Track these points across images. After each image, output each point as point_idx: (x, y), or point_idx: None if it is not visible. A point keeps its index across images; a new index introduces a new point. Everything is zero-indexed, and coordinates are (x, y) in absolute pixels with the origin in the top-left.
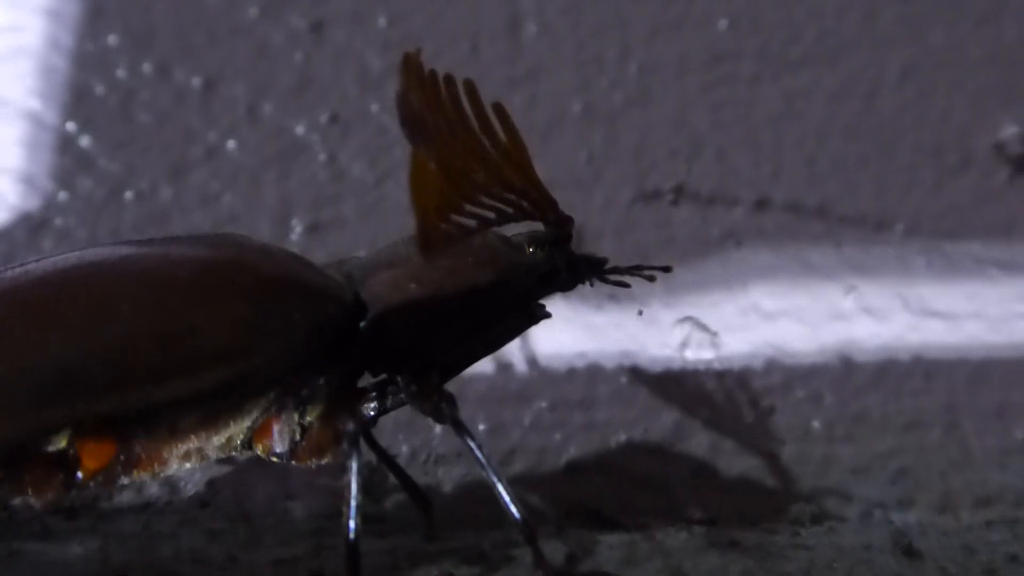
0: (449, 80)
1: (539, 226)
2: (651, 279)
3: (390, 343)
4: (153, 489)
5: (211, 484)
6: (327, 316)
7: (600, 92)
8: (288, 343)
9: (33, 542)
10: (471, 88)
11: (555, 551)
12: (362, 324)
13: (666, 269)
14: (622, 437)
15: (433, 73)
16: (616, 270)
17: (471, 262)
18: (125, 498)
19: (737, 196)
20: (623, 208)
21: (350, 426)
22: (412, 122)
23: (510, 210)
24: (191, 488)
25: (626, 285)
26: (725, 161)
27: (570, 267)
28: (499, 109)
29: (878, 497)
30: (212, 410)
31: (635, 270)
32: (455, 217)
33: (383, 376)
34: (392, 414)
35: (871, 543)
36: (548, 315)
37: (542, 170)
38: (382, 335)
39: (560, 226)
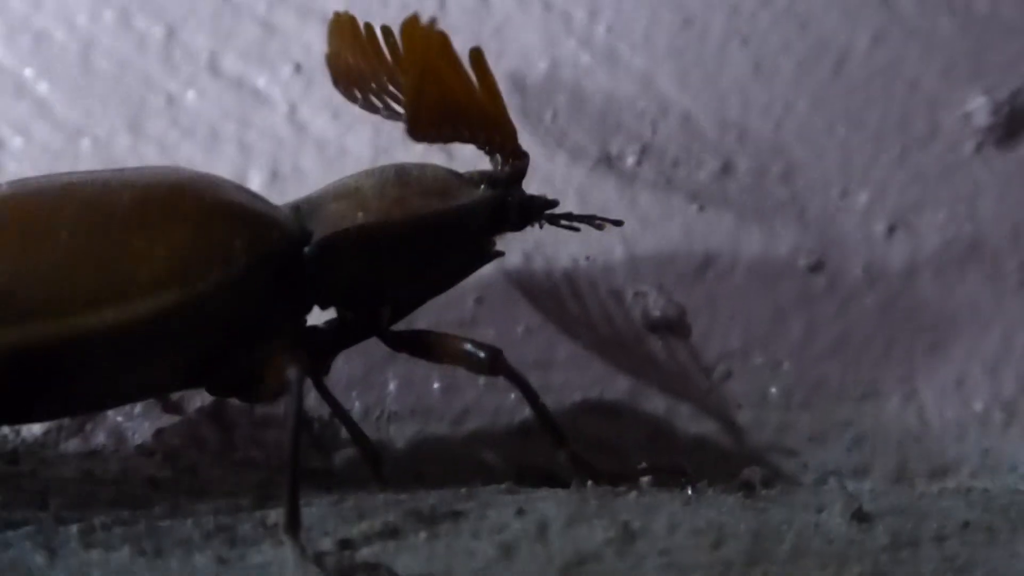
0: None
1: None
2: (600, 227)
3: (337, 274)
4: (99, 437)
5: (158, 434)
6: (270, 243)
7: (567, 52)
8: (230, 270)
9: None
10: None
11: (505, 508)
12: (307, 249)
13: (617, 223)
14: (577, 399)
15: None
16: (568, 216)
17: (419, 192)
18: (71, 445)
19: (702, 160)
20: (586, 169)
21: (293, 372)
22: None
23: (477, 131)
24: (137, 437)
25: (575, 229)
26: (691, 125)
27: (521, 205)
28: (477, 56)
29: (834, 464)
30: (156, 343)
31: (587, 219)
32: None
33: (335, 319)
34: (346, 370)
35: (823, 506)
36: (500, 253)
37: None
38: (329, 264)
39: (516, 158)
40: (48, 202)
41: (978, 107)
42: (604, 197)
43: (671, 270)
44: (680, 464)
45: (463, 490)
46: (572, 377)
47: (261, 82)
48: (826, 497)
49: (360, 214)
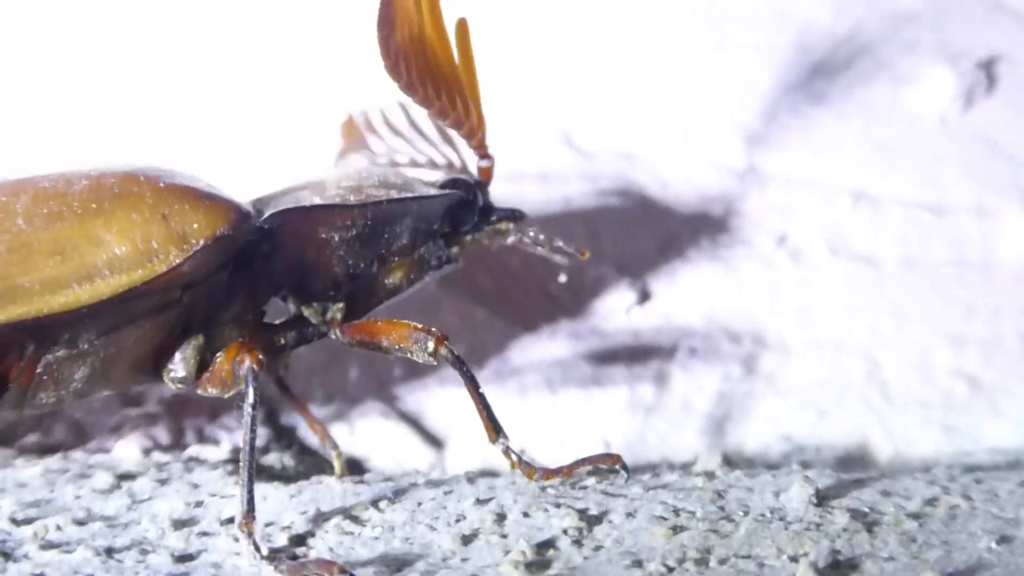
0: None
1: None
2: (561, 255)
3: (290, 254)
4: (59, 434)
5: (117, 429)
6: (226, 224)
7: (531, 26)
8: (187, 252)
9: None
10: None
11: (464, 498)
12: (261, 224)
13: (579, 253)
14: (535, 384)
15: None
16: (534, 235)
17: (379, 184)
18: (30, 440)
19: (664, 137)
20: (550, 153)
21: (247, 363)
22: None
23: (451, 100)
24: (96, 432)
25: (534, 248)
26: (651, 101)
27: (482, 209)
28: (462, 27)
29: (796, 442)
30: (114, 328)
31: (550, 243)
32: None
33: (290, 315)
34: (307, 357)
35: (781, 489)
36: (456, 260)
37: None
38: (282, 243)
39: (482, 154)
40: (2, 195)
41: (941, 79)
42: (566, 184)
43: (633, 248)
44: (613, 455)
45: (421, 479)
46: (531, 362)
47: None
48: (784, 480)
49: (316, 198)
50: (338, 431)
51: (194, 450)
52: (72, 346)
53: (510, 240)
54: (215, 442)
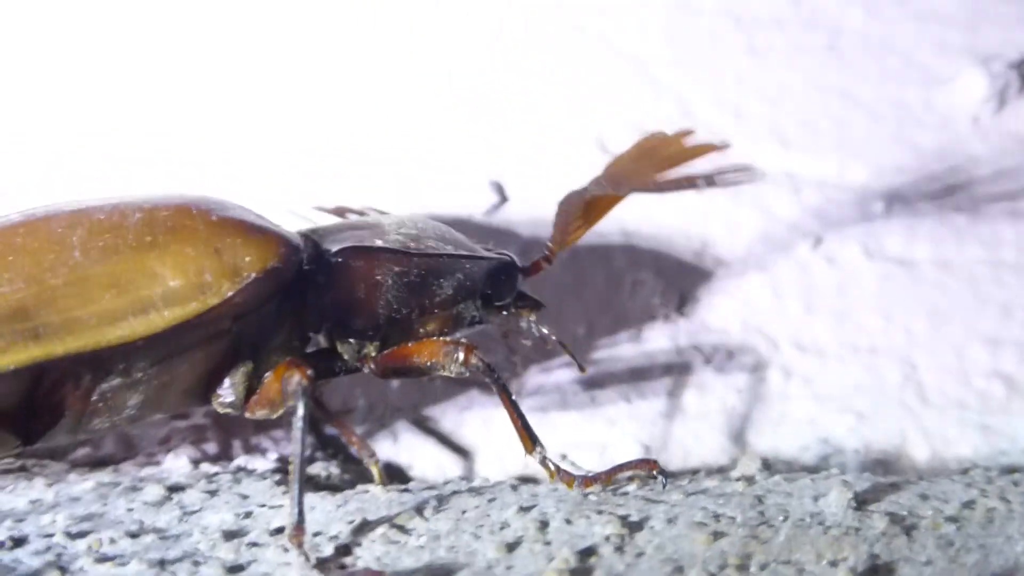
0: None
1: None
2: (579, 366)
3: (343, 291)
4: (108, 447)
5: (166, 442)
6: (278, 257)
7: (561, 34)
8: (239, 284)
9: None
10: None
11: (507, 506)
12: (327, 257)
13: (581, 369)
14: (576, 388)
15: None
16: (546, 333)
17: (436, 236)
18: (81, 454)
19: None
20: (583, 154)
21: (296, 379)
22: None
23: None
24: (146, 446)
25: (544, 342)
26: (685, 107)
27: (518, 292)
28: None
29: (834, 445)
30: (166, 358)
31: (561, 345)
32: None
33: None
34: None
35: (820, 494)
36: (487, 322)
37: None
38: (338, 280)
39: (552, 255)
40: (59, 226)
41: (973, 80)
42: None
43: (670, 254)
44: (650, 460)
45: (464, 487)
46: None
47: None
48: (823, 485)
49: (378, 240)
50: (382, 440)
51: (242, 460)
52: (126, 375)
53: (522, 325)
54: (262, 452)
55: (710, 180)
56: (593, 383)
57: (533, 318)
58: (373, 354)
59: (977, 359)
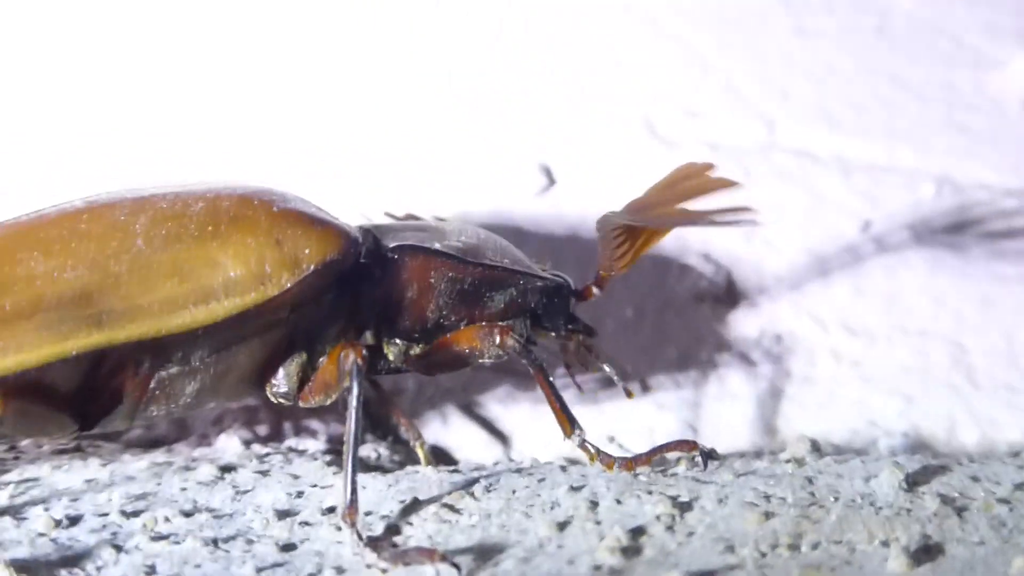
0: None
1: None
2: (626, 392)
3: (396, 292)
4: (161, 428)
5: (217, 423)
6: (337, 250)
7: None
8: (299, 276)
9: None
10: None
11: (557, 485)
12: (381, 253)
13: (628, 394)
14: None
15: None
16: (602, 357)
17: (495, 249)
18: (135, 434)
19: (746, 125)
20: (634, 143)
21: (352, 357)
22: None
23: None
24: (199, 426)
25: (591, 369)
26: (733, 89)
27: (569, 313)
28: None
29: (883, 427)
30: (224, 347)
31: (610, 371)
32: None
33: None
34: None
35: (871, 475)
36: (535, 342)
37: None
38: (394, 277)
39: (603, 282)
40: (122, 214)
41: (1022, 66)
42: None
43: (718, 237)
44: (691, 441)
45: (514, 467)
46: (620, 353)
47: None
48: (874, 466)
49: (437, 244)
50: (431, 421)
51: (292, 442)
52: (185, 363)
53: (571, 348)
54: (312, 434)
55: (715, 219)
56: (640, 366)
57: (583, 341)
58: (418, 355)
59: None
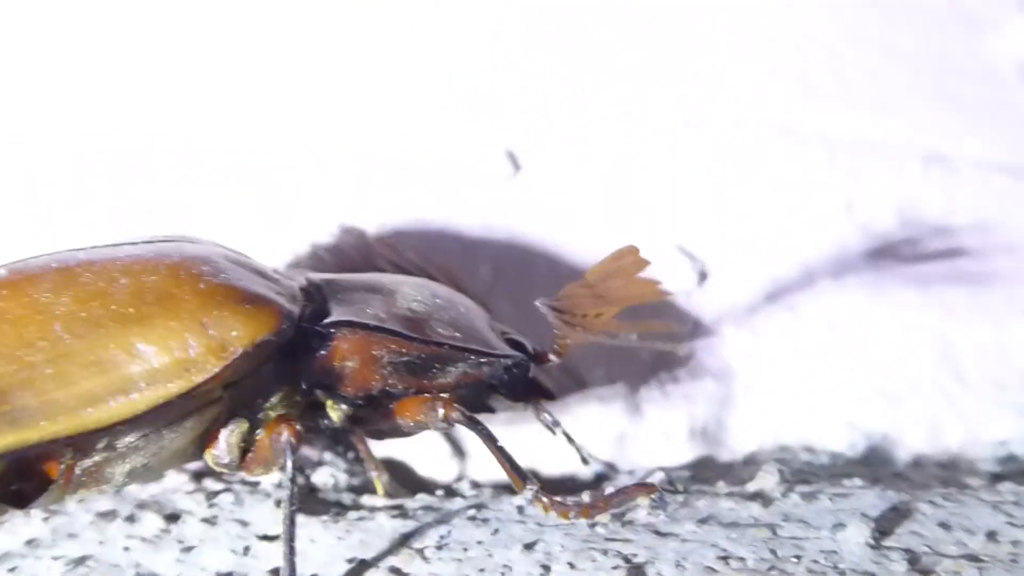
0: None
1: None
2: (582, 459)
3: (336, 361)
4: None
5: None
6: (268, 330)
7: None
8: (226, 360)
9: None
10: None
11: (512, 544)
12: (318, 326)
13: (584, 462)
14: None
15: None
16: (554, 424)
17: (448, 321)
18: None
19: (720, 97)
20: (613, 125)
21: (285, 435)
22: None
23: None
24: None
25: (551, 428)
26: (707, 60)
27: (528, 382)
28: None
29: (863, 428)
30: (153, 431)
31: (568, 438)
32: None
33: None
34: None
35: (840, 523)
36: (493, 411)
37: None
38: (331, 350)
39: (564, 349)
40: (44, 291)
41: (1020, 29)
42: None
43: (693, 224)
44: (650, 485)
45: (469, 506)
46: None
47: None
48: (843, 511)
49: (381, 313)
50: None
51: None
52: (111, 450)
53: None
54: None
55: (643, 338)
56: (612, 372)
57: (542, 408)
58: (363, 419)
59: (1017, 335)
